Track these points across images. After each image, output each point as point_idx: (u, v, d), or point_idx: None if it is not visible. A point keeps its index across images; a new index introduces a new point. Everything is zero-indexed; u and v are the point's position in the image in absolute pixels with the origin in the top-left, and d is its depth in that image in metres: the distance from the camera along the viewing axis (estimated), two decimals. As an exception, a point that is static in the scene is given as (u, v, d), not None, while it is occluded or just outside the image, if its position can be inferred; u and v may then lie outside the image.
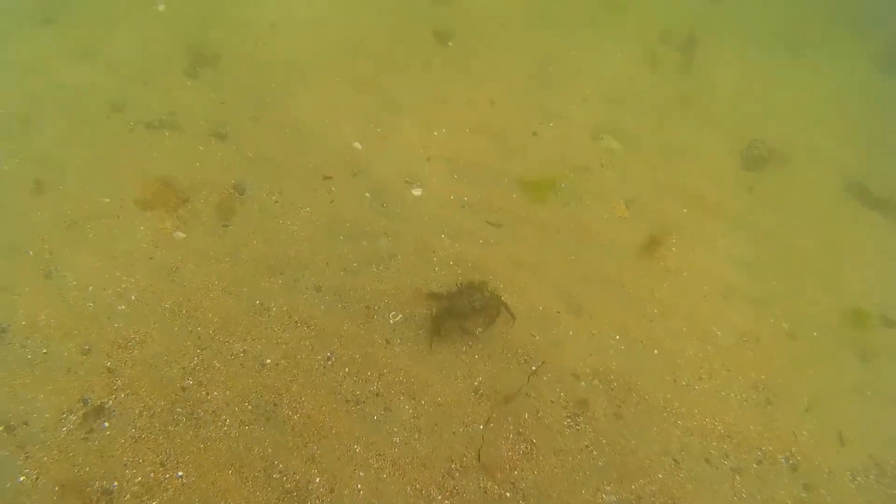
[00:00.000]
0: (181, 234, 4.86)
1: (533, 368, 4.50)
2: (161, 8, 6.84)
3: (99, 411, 3.92)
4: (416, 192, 5.44)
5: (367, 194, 5.37)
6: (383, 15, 7.45)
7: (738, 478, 4.31)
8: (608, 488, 4.08)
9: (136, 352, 4.22)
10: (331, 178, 5.37)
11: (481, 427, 4.19)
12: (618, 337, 4.83)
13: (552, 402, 4.40)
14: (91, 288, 4.47)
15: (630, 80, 7.38)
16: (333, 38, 6.95)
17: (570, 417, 4.35)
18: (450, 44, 7.29)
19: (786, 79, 8.07)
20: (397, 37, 7.22)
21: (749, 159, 6.64)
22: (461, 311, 4.46)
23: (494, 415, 4.26)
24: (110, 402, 3.99)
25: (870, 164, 7.08)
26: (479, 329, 4.60)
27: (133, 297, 4.48)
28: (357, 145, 5.74)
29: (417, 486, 3.90)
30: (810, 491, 4.35)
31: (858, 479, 4.48)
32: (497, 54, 7.26)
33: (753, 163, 6.61)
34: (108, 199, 4.96)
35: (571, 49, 7.61)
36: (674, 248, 5.56)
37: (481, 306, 4.49)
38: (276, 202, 5.18)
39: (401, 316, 4.64)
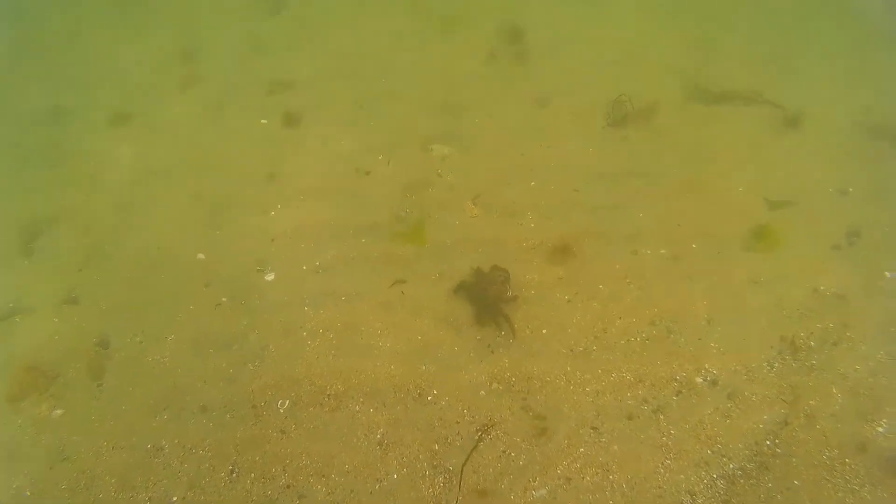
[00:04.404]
0: (58, 412, 4.77)
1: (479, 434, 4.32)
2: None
3: None
4: (269, 277, 5.39)
5: (223, 299, 5.29)
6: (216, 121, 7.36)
7: (661, 417, 4.27)
8: (535, 483, 4.01)
9: (46, 547, 4.11)
10: (190, 306, 5.32)
11: (395, 477, 4.13)
12: (503, 333, 4.79)
13: (457, 422, 4.34)
14: (-18, 502, 4.36)
15: (462, 82, 7.38)
16: (152, 164, 6.78)
17: (479, 431, 4.29)
18: (263, 121, 7.16)
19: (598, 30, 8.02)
20: (231, 132, 7.14)
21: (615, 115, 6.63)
22: (494, 293, 4.88)
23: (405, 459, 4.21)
24: None
25: (705, 67, 7.10)
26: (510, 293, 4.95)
27: (28, 493, 4.36)
28: (200, 256, 5.67)
29: (348, 561, 3.81)
30: (734, 398, 4.32)
31: (776, 365, 4.47)
32: (325, 108, 7.17)
33: (620, 118, 6.59)
34: (-22, 408, 4.87)
35: (386, 75, 7.58)
36: (532, 224, 5.52)
37: (502, 277, 4.94)
38: (141, 342, 5.09)
39: (288, 402, 4.57)
